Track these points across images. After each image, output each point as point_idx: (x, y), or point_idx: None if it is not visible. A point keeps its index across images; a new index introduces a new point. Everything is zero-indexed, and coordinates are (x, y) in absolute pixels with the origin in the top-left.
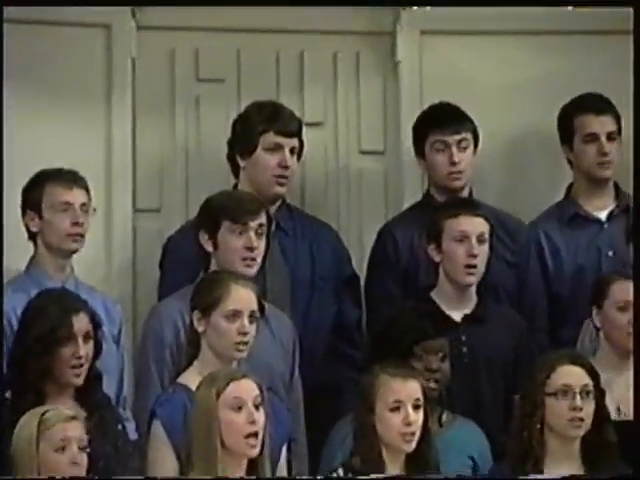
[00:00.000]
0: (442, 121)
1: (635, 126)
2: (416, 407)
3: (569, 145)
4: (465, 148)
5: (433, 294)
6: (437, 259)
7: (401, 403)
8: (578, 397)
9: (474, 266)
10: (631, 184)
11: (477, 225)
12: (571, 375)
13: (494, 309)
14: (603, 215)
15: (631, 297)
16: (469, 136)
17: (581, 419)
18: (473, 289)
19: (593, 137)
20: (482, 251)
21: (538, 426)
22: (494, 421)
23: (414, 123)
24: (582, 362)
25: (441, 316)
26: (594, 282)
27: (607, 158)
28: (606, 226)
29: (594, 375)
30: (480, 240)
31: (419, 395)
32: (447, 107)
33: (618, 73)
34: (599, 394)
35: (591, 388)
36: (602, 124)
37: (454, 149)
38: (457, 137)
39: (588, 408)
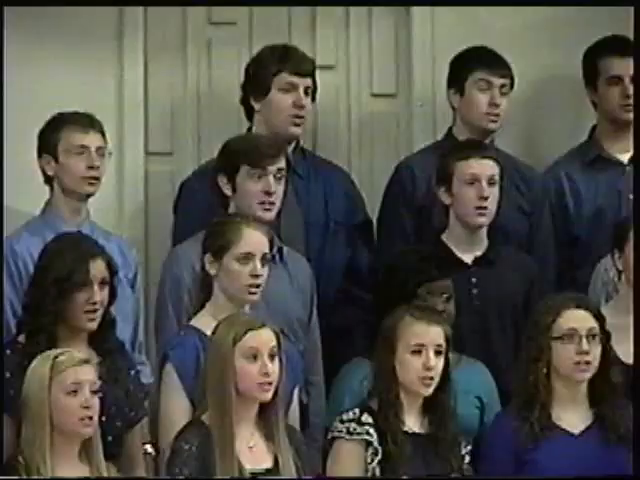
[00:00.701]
0: (491, 61)
1: (635, 126)
2: (437, 352)
3: (594, 87)
4: (505, 93)
5: (444, 236)
6: (447, 202)
7: (423, 347)
8: (584, 341)
9: (485, 207)
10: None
11: (487, 167)
12: (577, 319)
13: (505, 252)
14: (625, 158)
15: None
16: (509, 82)
17: (587, 362)
18: (484, 232)
19: (617, 79)
20: (492, 193)
21: (544, 370)
22: (504, 363)
23: (457, 56)
24: (587, 305)
25: (452, 258)
26: (615, 225)
27: (630, 100)
28: (628, 169)
29: (600, 318)
30: (491, 182)
31: (441, 341)
32: (494, 51)
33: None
34: (605, 337)
35: (597, 331)
36: (627, 66)
37: (497, 91)
38: (502, 80)
39: (595, 351)
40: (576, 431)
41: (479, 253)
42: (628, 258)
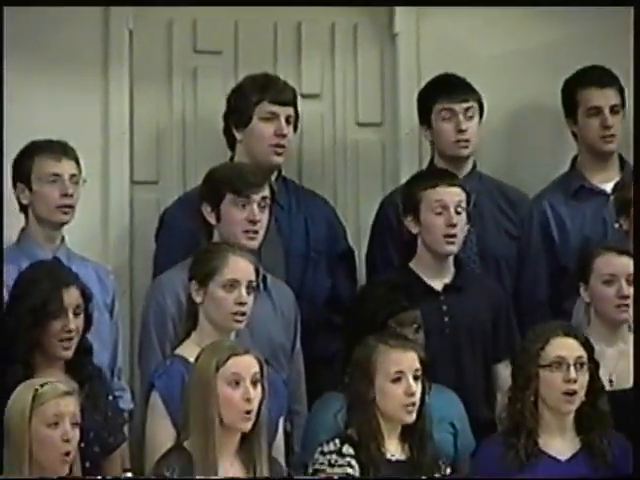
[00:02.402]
0: (450, 89)
1: (635, 126)
2: (415, 378)
3: (573, 118)
4: (471, 117)
5: (412, 264)
6: (415, 231)
7: (402, 374)
8: (572, 369)
9: (454, 235)
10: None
11: (454, 195)
12: (565, 347)
13: (472, 278)
14: (608, 187)
15: (614, 270)
16: (475, 105)
17: (575, 392)
18: (451, 259)
19: (596, 110)
20: (460, 220)
21: (532, 398)
22: (474, 389)
23: (420, 91)
24: (576, 334)
25: (421, 286)
26: (578, 258)
27: (611, 131)
28: (612, 198)
29: (588, 347)
30: (457, 210)
31: (418, 365)
32: (454, 77)
33: (621, 44)
34: (593, 366)
35: (585, 360)
36: (606, 97)
37: (461, 117)
38: (464, 105)
39: (582, 380)
40: (563, 458)
41: (447, 280)
42: (593, 289)
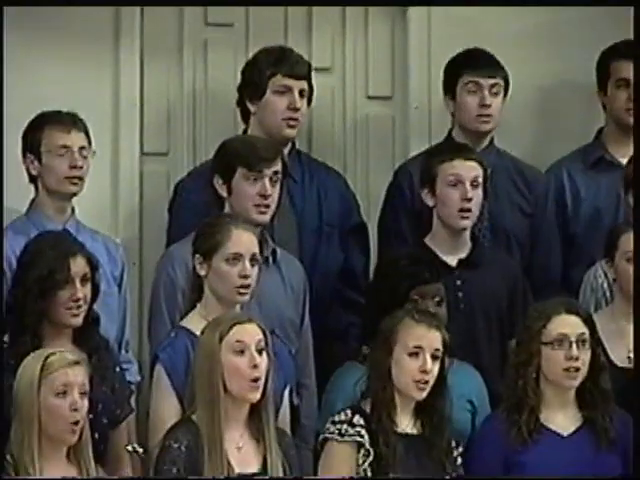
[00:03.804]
0: (478, 63)
1: (635, 126)
2: (434, 357)
3: (604, 90)
4: (497, 93)
5: (427, 240)
6: (431, 203)
7: (420, 349)
8: (574, 346)
9: (468, 210)
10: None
11: (471, 169)
12: (567, 324)
13: (488, 254)
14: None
15: None
16: (501, 82)
17: (577, 369)
18: (467, 234)
19: (625, 82)
20: (476, 195)
21: (534, 375)
22: (490, 365)
23: (449, 61)
24: (578, 311)
25: (436, 261)
26: (607, 234)
27: None
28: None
29: (590, 324)
30: (474, 184)
31: (439, 346)
32: (484, 52)
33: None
34: (595, 343)
35: (587, 337)
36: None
37: (486, 92)
38: (491, 81)
39: (584, 357)
40: (565, 433)
41: (463, 255)
42: (618, 266)
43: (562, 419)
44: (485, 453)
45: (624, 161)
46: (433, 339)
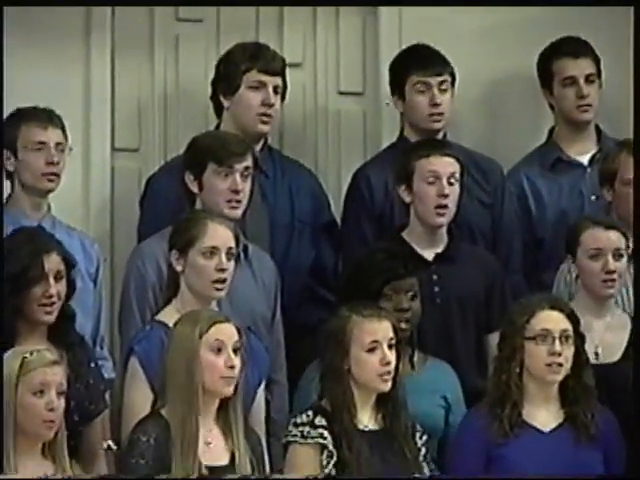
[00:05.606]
0: (425, 62)
1: (635, 128)
2: (390, 346)
3: (549, 89)
4: (445, 90)
5: (404, 234)
6: (408, 200)
7: (377, 343)
8: (557, 342)
9: (445, 206)
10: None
11: (447, 165)
12: (551, 320)
13: (465, 249)
14: (585, 159)
15: (601, 244)
16: (449, 78)
17: (560, 364)
18: (444, 229)
19: (571, 80)
20: (453, 191)
21: (517, 370)
22: (465, 359)
23: (392, 62)
24: (561, 307)
25: (413, 255)
26: (567, 231)
27: (586, 101)
28: (589, 170)
29: (574, 320)
30: (450, 181)
31: (392, 334)
32: (428, 48)
33: (597, 15)
34: (579, 339)
35: (570, 333)
36: (580, 67)
37: (436, 90)
38: (439, 78)
39: (567, 353)
40: (546, 429)
41: (439, 250)
42: (580, 262)
43: (544, 415)
44: (467, 445)
45: (581, 159)
46: (386, 330)
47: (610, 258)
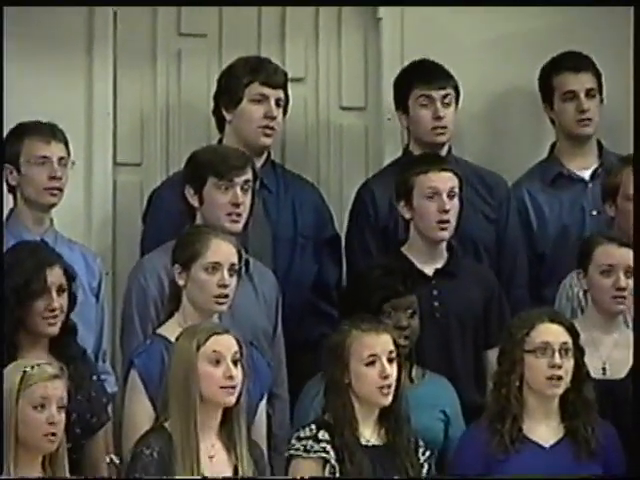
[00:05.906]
0: (427, 76)
1: (635, 128)
2: (390, 360)
3: (550, 104)
4: (449, 104)
5: (404, 249)
6: (407, 216)
7: (376, 357)
8: (557, 355)
9: (447, 221)
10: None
11: (447, 180)
12: (550, 333)
13: (465, 264)
14: (587, 174)
15: (614, 261)
16: (452, 92)
17: (560, 377)
18: (443, 245)
19: (572, 95)
20: (453, 205)
21: (517, 383)
22: (464, 374)
23: (396, 77)
24: (561, 320)
25: (413, 271)
26: (579, 245)
27: (587, 115)
28: (590, 185)
29: (573, 333)
30: (451, 195)
31: (392, 348)
32: (431, 63)
33: (600, 30)
34: (578, 352)
35: (570, 346)
36: (581, 82)
37: (439, 104)
38: (442, 92)
39: (567, 365)
40: (547, 444)
41: (439, 265)
42: (591, 278)
43: (545, 430)
44: (467, 461)
45: (582, 174)
46: (385, 343)
47: (622, 275)
